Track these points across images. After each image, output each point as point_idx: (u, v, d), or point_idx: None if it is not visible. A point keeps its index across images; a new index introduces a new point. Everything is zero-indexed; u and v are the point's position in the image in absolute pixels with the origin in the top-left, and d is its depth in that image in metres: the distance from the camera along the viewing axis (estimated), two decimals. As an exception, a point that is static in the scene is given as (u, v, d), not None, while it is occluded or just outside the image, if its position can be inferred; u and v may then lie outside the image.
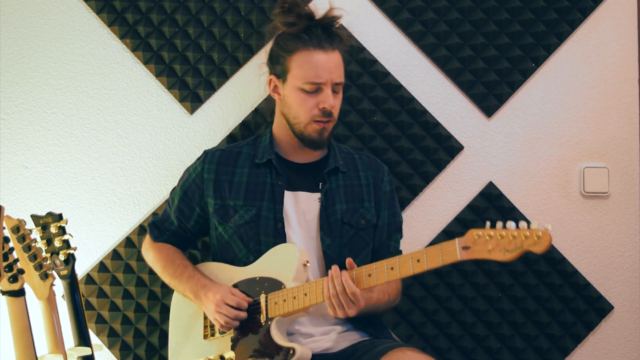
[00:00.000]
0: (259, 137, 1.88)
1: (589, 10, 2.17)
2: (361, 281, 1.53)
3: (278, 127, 1.84)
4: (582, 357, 2.14)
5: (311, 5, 1.77)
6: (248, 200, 1.76)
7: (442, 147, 2.14)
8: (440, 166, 2.15)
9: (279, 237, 1.73)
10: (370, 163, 1.89)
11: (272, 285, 1.65)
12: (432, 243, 2.12)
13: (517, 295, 2.12)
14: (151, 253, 1.87)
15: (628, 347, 2.15)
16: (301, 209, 1.77)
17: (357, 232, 1.78)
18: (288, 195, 1.77)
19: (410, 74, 2.16)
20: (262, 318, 1.63)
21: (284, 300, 1.61)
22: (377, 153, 2.12)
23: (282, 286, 1.63)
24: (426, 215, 2.15)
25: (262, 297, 1.65)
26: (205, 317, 1.75)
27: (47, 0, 2.15)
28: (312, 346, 1.65)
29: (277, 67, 1.77)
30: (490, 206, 2.14)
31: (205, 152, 1.86)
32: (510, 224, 1.37)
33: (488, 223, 1.40)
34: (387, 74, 2.13)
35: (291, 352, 1.54)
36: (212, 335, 1.71)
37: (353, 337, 1.72)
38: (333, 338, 1.71)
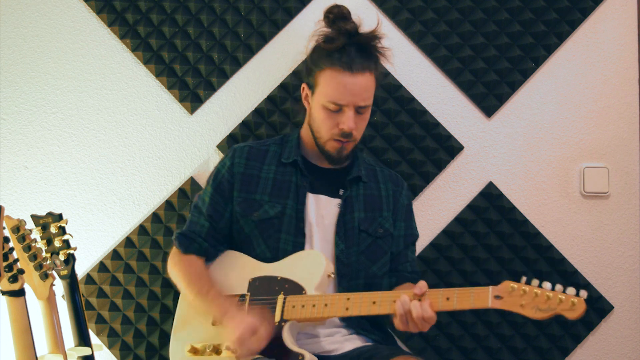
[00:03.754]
0: (286, 137, 1.89)
1: (589, 10, 2.17)
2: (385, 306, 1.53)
3: (306, 131, 1.85)
4: (582, 357, 2.14)
5: (356, 20, 1.75)
6: (274, 197, 1.77)
7: (442, 147, 2.14)
8: (440, 166, 2.15)
9: (300, 236, 1.73)
10: (390, 176, 1.90)
11: (293, 288, 1.63)
12: (433, 243, 2.13)
13: (517, 295, 2.12)
14: (176, 269, 1.76)
15: (628, 347, 2.15)
16: (320, 212, 1.77)
17: (375, 240, 1.78)
18: (310, 197, 1.78)
19: (410, 74, 2.16)
20: (276, 318, 1.60)
21: (303, 306, 1.59)
22: (377, 153, 2.12)
23: (303, 291, 1.62)
24: (426, 215, 2.15)
25: (280, 298, 1.63)
26: None
27: (47, 0, 2.15)
28: (315, 347, 1.65)
29: (310, 78, 1.77)
30: (490, 206, 2.14)
31: (234, 148, 1.85)
32: (546, 284, 1.39)
33: (524, 278, 1.42)
34: (387, 74, 2.13)
35: (300, 357, 1.51)
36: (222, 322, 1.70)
37: (357, 341, 1.71)
38: (337, 340, 1.70)
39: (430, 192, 2.15)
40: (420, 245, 2.11)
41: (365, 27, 1.74)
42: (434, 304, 1.47)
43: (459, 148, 2.15)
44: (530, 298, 1.39)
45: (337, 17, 1.74)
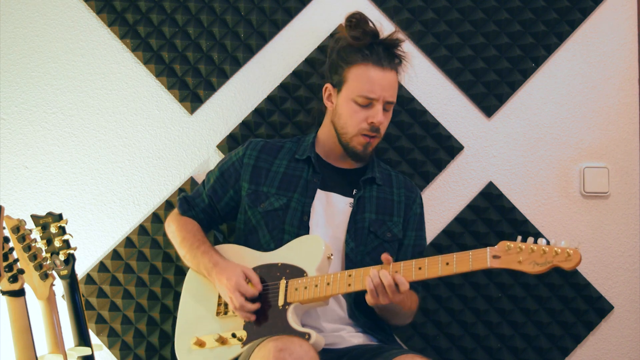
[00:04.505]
0: (303, 137, 1.95)
1: (589, 10, 2.17)
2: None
3: (324, 132, 1.90)
4: (582, 357, 2.14)
5: (377, 26, 1.83)
6: (281, 190, 1.82)
7: (442, 147, 2.14)
8: (440, 166, 2.15)
9: (303, 228, 1.77)
10: (405, 183, 1.93)
11: (294, 272, 1.67)
12: (433, 243, 2.12)
13: (517, 295, 2.12)
14: (174, 225, 1.88)
15: (628, 347, 2.15)
16: (331, 210, 1.81)
17: (382, 243, 1.81)
18: (320, 194, 1.82)
19: (410, 74, 2.16)
20: (280, 302, 1.64)
21: (305, 288, 1.62)
22: (377, 153, 2.11)
23: (304, 274, 1.65)
24: (426, 215, 2.12)
25: (282, 282, 1.66)
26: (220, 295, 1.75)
27: (47, 0, 2.15)
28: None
29: (335, 77, 1.83)
30: (490, 206, 2.14)
31: (250, 141, 1.92)
32: (542, 240, 1.42)
33: (519, 237, 1.46)
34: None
35: (307, 336, 1.53)
36: (225, 313, 1.71)
37: (362, 339, 1.74)
38: (342, 335, 1.72)
39: (430, 192, 2.15)
40: (420, 245, 2.11)
41: (383, 33, 1.83)
42: (433, 271, 1.54)
43: (459, 148, 2.15)
44: (527, 254, 1.43)
45: (359, 20, 1.83)
